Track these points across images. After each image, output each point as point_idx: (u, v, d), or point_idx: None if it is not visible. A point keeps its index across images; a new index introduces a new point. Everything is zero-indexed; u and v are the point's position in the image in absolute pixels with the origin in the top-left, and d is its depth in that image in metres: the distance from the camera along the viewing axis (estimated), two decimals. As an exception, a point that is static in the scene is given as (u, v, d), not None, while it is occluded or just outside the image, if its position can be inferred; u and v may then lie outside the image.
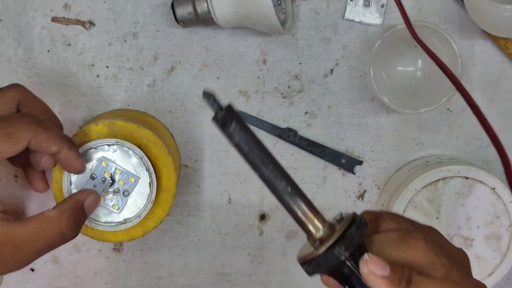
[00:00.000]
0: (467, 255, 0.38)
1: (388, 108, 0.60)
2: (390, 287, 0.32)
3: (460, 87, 0.51)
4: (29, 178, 0.53)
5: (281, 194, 0.33)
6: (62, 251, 0.63)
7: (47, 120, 0.47)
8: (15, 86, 0.47)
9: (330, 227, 0.33)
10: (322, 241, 0.33)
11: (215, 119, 0.32)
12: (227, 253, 0.63)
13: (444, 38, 0.54)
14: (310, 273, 0.33)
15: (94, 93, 0.61)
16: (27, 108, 0.47)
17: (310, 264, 0.33)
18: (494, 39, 0.59)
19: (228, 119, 0.32)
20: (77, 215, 0.44)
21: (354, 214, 0.34)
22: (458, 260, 0.35)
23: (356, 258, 0.32)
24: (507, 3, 0.50)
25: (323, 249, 0.32)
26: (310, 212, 0.33)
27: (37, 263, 0.63)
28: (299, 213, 0.33)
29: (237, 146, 0.33)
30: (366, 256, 0.32)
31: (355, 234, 0.32)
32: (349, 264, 0.32)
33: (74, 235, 0.43)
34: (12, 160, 0.50)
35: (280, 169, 0.33)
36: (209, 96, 0.32)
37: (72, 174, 0.50)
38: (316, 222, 0.34)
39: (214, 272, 0.63)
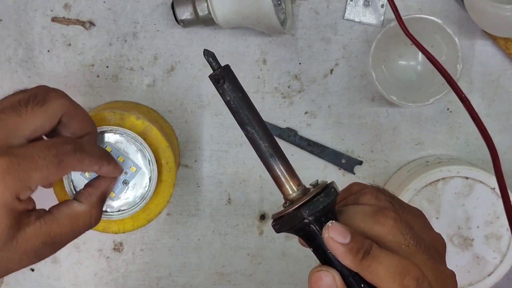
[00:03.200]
0: (443, 243, 0.38)
1: (396, 104, 0.59)
2: (348, 254, 0.33)
3: (450, 81, 0.51)
4: None
5: (263, 154, 0.35)
6: (62, 251, 0.62)
7: (86, 140, 0.46)
8: (59, 97, 0.43)
9: (303, 190, 0.35)
10: (292, 202, 0.35)
11: (212, 76, 0.35)
12: (227, 253, 0.63)
13: (446, 33, 0.54)
14: (277, 230, 0.35)
15: (94, 93, 0.61)
16: (68, 119, 0.45)
17: (277, 222, 0.35)
18: (494, 39, 0.59)
19: (223, 77, 0.35)
20: (103, 205, 0.46)
21: (330, 183, 0.36)
22: (429, 245, 0.35)
23: (322, 223, 0.34)
24: (507, 3, 0.50)
25: (290, 210, 0.34)
26: (287, 174, 0.35)
27: (37, 263, 0.63)
28: (277, 174, 0.35)
29: (228, 104, 0.35)
30: (329, 222, 0.34)
31: (322, 200, 0.34)
32: (313, 227, 0.34)
33: (98, 222, 0.45)
34: None
35: (264, 131, 0.35)
36: (209, 54, 0.35)
37: (72, 172, 0.50)
38: (292, 184, 0.35)
39: (214, 272, 0.63)
